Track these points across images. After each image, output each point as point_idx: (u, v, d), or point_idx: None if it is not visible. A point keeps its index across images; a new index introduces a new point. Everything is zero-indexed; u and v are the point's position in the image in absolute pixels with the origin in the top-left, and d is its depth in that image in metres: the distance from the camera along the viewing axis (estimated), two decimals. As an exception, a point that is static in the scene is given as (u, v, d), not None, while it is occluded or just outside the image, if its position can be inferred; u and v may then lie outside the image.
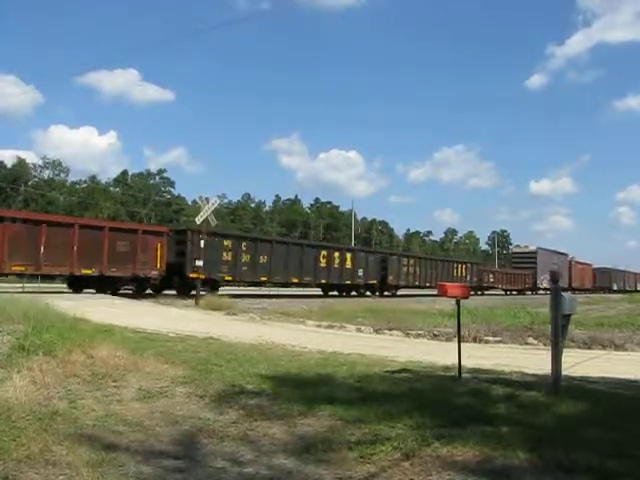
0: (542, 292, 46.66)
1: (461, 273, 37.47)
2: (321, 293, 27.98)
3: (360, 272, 28.44)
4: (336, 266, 26.92)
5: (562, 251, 56.18)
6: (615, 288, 65.98)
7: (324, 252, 26.68)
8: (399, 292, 32.20)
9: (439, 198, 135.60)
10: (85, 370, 4.92)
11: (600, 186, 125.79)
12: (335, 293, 28.10)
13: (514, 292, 46.89)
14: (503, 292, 45.41)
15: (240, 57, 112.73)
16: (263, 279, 23.92)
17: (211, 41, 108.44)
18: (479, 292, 38.05)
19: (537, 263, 48.75)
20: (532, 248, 50.37)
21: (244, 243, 22.75)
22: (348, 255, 28.04)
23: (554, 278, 5.89)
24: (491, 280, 42.92)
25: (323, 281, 26.84)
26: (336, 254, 27.23)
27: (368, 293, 29.49)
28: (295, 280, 25.30)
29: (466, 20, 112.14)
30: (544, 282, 46.30)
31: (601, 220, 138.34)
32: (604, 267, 72.53)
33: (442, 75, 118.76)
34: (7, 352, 5.07)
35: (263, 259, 23.07)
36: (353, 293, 28.82)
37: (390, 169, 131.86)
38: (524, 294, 46.39)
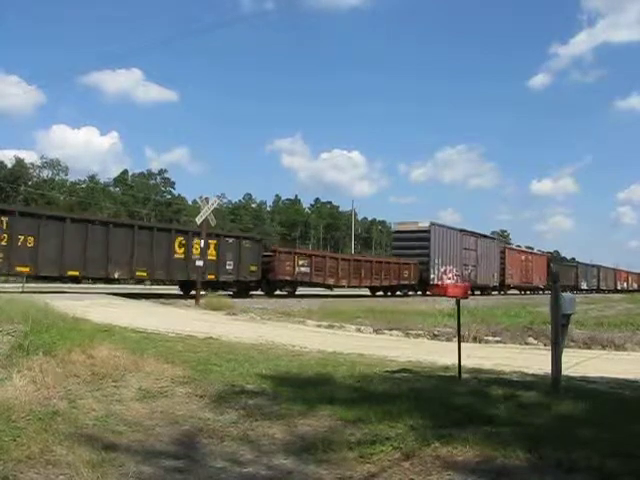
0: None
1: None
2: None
3: (229, 264, 21.06)
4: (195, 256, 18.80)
5: (491, 235, 45.51)
6: (584, 287, 54.51)
7: (181, 238, 19.44)
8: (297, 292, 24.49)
9: (440, 198, 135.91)
10: (85, 370, 4.92)
11: (601, 186, 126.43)
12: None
13: (379, 293, 29.68)
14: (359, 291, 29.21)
15: (243, 57, 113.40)
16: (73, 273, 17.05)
17: (214, 41, 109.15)
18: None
19: (430, 248, 31.78)
20: (423, 225, 32.53)
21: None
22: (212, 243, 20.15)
23: (554, 278, 5.88)
24: (302, 270, 24.00)
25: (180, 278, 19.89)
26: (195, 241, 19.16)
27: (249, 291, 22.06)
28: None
29: (469, 19, 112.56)
30: (443, 276, 32.38)
31: (602, 220, 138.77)
32: (569, 260, 65.79)
33: (445, 75, 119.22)
34: (7, 352, 5.06)
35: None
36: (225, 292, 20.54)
37: (392, 169, 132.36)
38: (407, 295, 29.78)
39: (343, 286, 27.05)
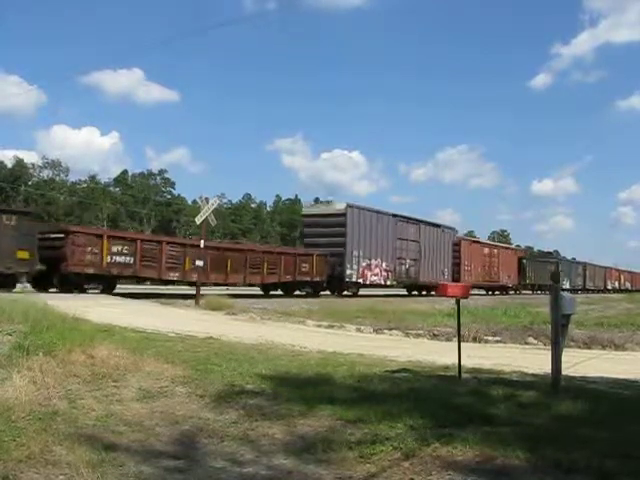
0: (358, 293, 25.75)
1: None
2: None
3: None
4: None
5: (448, 225, 34.51)
6: (567, 286, 46.77)
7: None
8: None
9: (441, 198, 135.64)
10: (85, 370, 4.92)
11: (602, 186, 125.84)
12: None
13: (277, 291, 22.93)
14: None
15: (244, 57, 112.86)
16: None
17: (215, 41, 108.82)
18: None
19: (347, 236, 24.59)
20: (339, 206, 25.46)
21: None
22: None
23: (554, 278, 5.88)
24: (119, 260, 16.96)
25: None
26: None
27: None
28: None
29: (470, 19, 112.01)
30: (366, 272, 25.56)
31: (603, 220, 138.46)
32: (550, 254, 58.54)
33: (446, 75, 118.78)
34: (7, 352, 5.06)
35: None
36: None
37: (392, 169, 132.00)
38: (310, 295, 22.54)
39: (205, 283, 18.15)
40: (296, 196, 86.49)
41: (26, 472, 2.90)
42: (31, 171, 64.00)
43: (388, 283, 27.84)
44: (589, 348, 8.94)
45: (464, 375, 5.48)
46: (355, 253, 25.24)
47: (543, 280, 42.54)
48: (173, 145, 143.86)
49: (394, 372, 5.75)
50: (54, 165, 66.15)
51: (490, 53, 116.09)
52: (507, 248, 45.59)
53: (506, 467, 3.09)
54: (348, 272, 24.73)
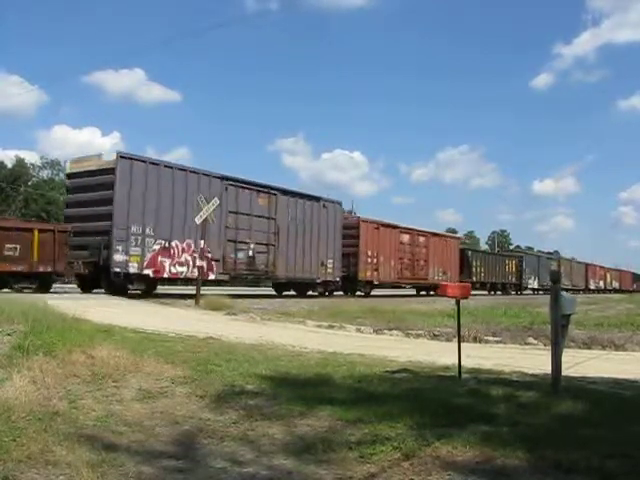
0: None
1: None
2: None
3: None
4: None
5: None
6: (534, 285, 42.65)
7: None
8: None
9: (441, 198, 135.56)
10: (85, 370, 4.92)
11: (603, 186, 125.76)
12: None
13: None
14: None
15: (244, 57, 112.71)
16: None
17: (216, 41, 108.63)
18: None
19: (115, 200, 15.87)
20: (108, 158, 16.48)
21: None
22: None
23: (554, 278, 5.88)
24: None
25: None
26: None
27: None
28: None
29: (471, 19, 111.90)
30: (160, 262, 16.98)
31: (604, 220, 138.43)
32: (512, 249, 51.02)
33: (447, 75, 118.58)
34: (7, 352, 5.07)
35: None
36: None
37: (393, 169, 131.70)
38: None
39: None
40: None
41: (26, 472, 2.90)
42: (31, 171, 63.99)
43: (212, 277, 18.48)
44: (589, 348, 8.93)
45: (464, 375, 5.48)
46: (135, 229, 16.26)
47: (499, 278, 37.06)
48: (174, 145, 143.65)
49: (394, 372, 5.75)
50: (53, 165, 66.14)
51: (491, 53, 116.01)
52: (442, 236, 33.74)
53: (506, 467, 3.09)
54: (118, 258, 15.75)
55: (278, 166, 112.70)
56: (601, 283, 57.23)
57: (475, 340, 9.55)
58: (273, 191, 21.02)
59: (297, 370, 5.62)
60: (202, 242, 16.67)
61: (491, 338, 9.91)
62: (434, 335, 10.22)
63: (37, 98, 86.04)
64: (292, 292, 22.73)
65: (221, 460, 3.25)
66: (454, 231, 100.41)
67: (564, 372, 5.03)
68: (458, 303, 5.63)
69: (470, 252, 36.64)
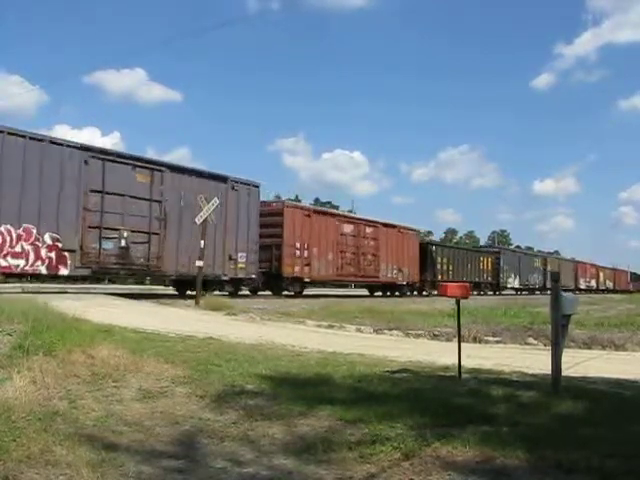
0: None
1: None
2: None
3: None
4: None
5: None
6: (514, 285, 39.68)
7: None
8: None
9: (442, 198, 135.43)
10: (85, 370, 4.92)
11: (603, 186, 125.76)
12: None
13: None
14: None
15: (245, 57, 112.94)
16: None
17: (217, 41, 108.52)
18: None
19: None
20: None
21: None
22: None
23: (554, 278, 5.88)
24: None
25: None
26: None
27: None
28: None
29: (472, 19, 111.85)
30: None
31: (604, 220, 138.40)
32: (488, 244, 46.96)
33: (447, 75, 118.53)
34: (7, 352, 5.07)
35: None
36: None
37: (394, 169, 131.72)
38: None
39: None
40: (297, 196, 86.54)
41: (26, 472, 2.90)
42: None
43: (65, 273, 15.26)
44: (589, 348, 8.93)
45: (464, 375, 5.48)
46: None
47: (471, 276, 33.10)
48: (175, 145, 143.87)
49: (394, 372, 5.75)
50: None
51: (492, 53, 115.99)
52: (396, 227, 28.06)
53: (506, 467, 3.09)
54: None
55: (278, 166, 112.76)
56: (593, 282, 53.23)
57: (475, 340, 9.55)
58: (159, 167, 16.79)
59: (297, 370, 5.62)
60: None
61: (491, 338, 9.91)
62: (434, 335, 10.22)
63: (37, 98, 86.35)
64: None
65: (221, 460, 3.25)
66: (454, 232, 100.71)
67: (564, 372, 5.03)
68: (458, 303, 5.63)
69: (434, 247, 32.41)
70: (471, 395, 4.71)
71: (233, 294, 18.86)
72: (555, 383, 4.88)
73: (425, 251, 30.25)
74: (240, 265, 19.06)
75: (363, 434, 3.62)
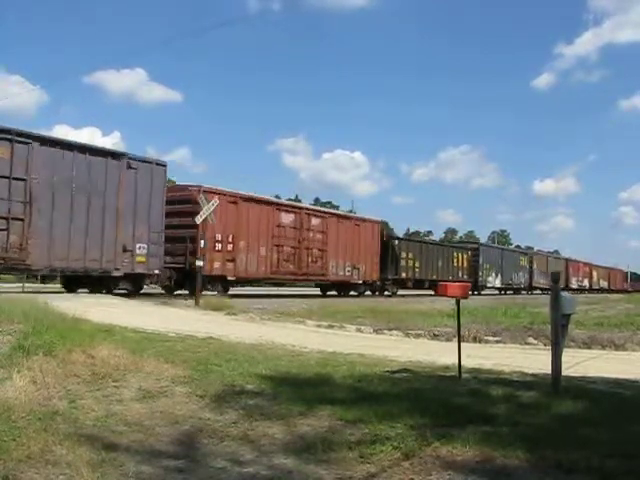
0: None
1: None
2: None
3: None
4: None
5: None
6: (495, 284, 36.48)
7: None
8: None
9: (442, 198, 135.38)
10: (85, 370, 4.92)
11: (604, 186, 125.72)
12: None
13: None
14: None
15: (246, 57, 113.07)
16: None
17: (217, 41, 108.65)
18: None
19: None
20: None
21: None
22: None
23: (554, 278, 5.88)
24: None
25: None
26: None
27: None
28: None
29: (472, 19, 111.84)
30: None
31: (604, 220, 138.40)
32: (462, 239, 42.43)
33: (448, 74, 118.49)
34: (7, 352, 5.07)
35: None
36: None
37: (394, 169, 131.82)
38: None
39: None
40: (296, 196, 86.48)
41: (26, 472, 2.90)
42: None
43: None
44: (589, 348, 8.93)
45: (464, 375, 5.48)
46: None
47: (443, 274, 29.80)
48: (175, 145, 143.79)
49: (394, 372, 5.75)
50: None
51: (492, 53, 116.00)
52: (350, 218, 25.67)
53: (506, 467, 3.09)
54: None
55: (278, 166, 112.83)
56: (585, 282, 49.87)
57: (475, 340, 9.55)
58: (22, 138, 13.64)
59: (297, 370, 5.62)
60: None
61: (491, 338, 9.91)
62: (434, 335, 10.22)
63: (38, 98, 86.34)
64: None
65: (221, 460, 3.25)
66: (454, 231, 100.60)
67: (564, 372, 5.03)
68: (458, 303, 5.64)
69: (397, 241, 28.59)
70: (471, 395, 4.71)
71: (133, 293, 16.23)
72: (555, 383, 4.88)
73: (386, 246, 26.76)
74: (139, 258, 16.01)
75: (363, 434, 3.62)
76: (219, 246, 18.47)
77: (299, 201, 48.16)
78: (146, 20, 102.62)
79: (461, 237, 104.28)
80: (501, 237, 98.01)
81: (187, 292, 17.40)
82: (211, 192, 17.60)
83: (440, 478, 2.99)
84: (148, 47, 79.41)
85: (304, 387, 4.79)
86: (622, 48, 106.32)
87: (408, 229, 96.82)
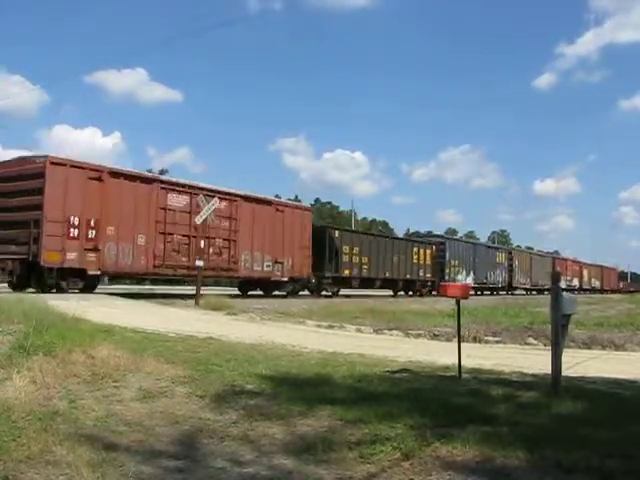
0: None
1: None
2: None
3: None
4: None
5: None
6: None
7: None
8: None
9: (442, 198, 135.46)
10: (85, 370, 4.92)
11: (604, 186, 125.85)
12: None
13: None
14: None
15: (246, 57, 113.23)
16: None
17: (218, 41, 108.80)
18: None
19: None
20: None
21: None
22: None
23: (554, 278, 5.88)
24: None
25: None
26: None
27: None
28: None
29: (473, 19, 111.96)
30: None
31: (604, 220, 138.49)
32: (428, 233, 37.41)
33: (449, 74, 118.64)
34: (7, 352, 5.07)
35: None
36: None
37: (394, 169, 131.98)
38: None
39: None
40: (296, 196, 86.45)
41: (26, 472, 2.90)
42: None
43: None
44: (589, 348, 8.94)
45: (464, 375, 5.48)
46: None
47: (398, 272, 26.46)
48: (175, 145, 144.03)
49: (394, 372, 5.75)
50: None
51: (493, 53, 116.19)
52: (270, 203, 21.08)
53: (506, 467, 3.09)
54: None
55: (279, 166, 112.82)
56: (575, 281, 46.60)
57: (475, 340, 9.56)
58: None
59: (297, 370, 5.62)
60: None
61: (491, 338, 9.92)
62: (434, 335, 10.22)
63: (38, 98, 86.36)
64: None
65: (221, 460, 3.25)
66: (454, 232, 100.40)
67: (564, 372, 5.03)
68: (458, 303, 5.63)
69: (337, 232, 24.36)
70: (471, 395, 4.71)
71: None
72: (555, 383, 4.88)
73: (322, 238, 22.56)
74: None
75: (363, 434, 3.62)
76: (75, 232, 14.81)
77: (299, 201, 43.40)
78: (146, 20, 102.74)
79: (461, 237, 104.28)
80: (501, 237, 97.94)
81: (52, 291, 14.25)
82: (63, 164, 14.79)
83: (440, 478, 2.99)
84: (148, 47, 79.55)
85: (304, 387, 4.79)
86: (623, 48, 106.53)
87: (408, 229, 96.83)
